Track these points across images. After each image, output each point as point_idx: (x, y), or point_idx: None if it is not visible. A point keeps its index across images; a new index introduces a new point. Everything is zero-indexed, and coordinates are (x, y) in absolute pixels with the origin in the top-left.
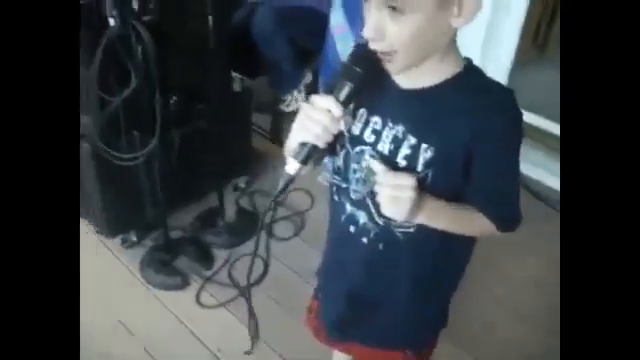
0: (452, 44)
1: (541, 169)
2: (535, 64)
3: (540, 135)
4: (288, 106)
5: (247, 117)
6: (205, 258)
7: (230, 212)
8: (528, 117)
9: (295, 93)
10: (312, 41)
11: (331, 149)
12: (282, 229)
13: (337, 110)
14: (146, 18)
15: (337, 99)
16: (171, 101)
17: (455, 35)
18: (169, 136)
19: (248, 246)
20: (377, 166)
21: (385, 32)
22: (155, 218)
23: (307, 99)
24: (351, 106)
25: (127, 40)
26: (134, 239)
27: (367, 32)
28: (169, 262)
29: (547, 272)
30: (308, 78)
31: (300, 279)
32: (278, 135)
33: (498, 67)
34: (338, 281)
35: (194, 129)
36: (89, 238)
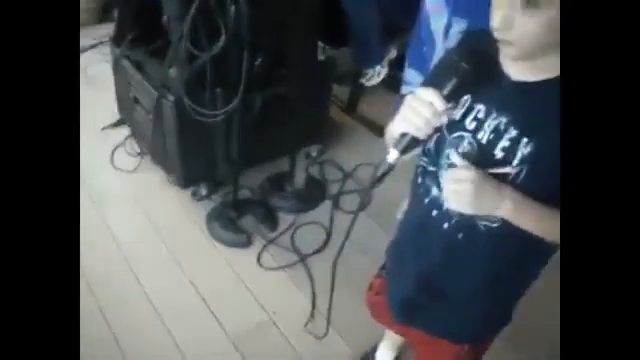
0: None
1: None
2: None
3: None
4: (369, 80)
5: (327, 87)
6: (270, 220)
7: (299, 178)
8: None
9: (378, 68)
10: (404, 16)
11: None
12: (348, 202)
13: (440, 104)
14: None
15: (441, 93)
16: (256, 62)
17: None
18: (251, 97)
19: (312, 214)
20: (457, 159)
21: (514, 23)
22: (226, 175)
23: (389, 74)
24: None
25: None
26: (204, 193)
27: (495, 21)
28: (235, 219)
29: None
30: (392, 54)
31: (360, 253)
32: (355, 108)
33: None
34: (410, 263)
35: (275, 93)
36: (163, 186)
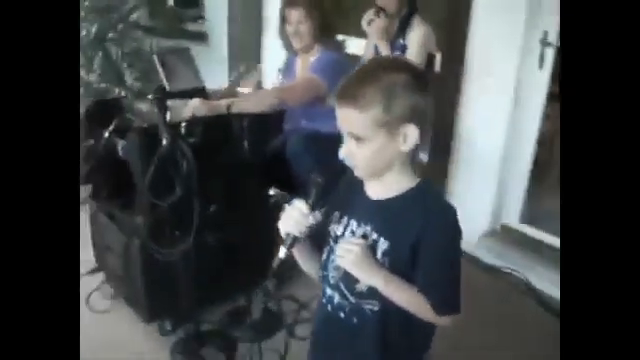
0: (406, 164)
1: None
2: None
3: None
4: None
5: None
6: (229, 349)
7: (257, 311)
8: None
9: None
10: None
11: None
12: (303, 329)
13: (304, 208)
14: (191, 140)
15: (307, 202)
16: (211, 209)
17: (407, 157)
18: (204, 239)
19: (269, 343)
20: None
21: (353, 153)
22: (188, 310)
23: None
24: (322, 209)
25: (175, 157)
26: (169, 327)
27: (342, 154)
28: (197, 350)
29: None
30: None
31: None
32: None
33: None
34: (322, 351)
35: (229, 235)
36: (132, 323)
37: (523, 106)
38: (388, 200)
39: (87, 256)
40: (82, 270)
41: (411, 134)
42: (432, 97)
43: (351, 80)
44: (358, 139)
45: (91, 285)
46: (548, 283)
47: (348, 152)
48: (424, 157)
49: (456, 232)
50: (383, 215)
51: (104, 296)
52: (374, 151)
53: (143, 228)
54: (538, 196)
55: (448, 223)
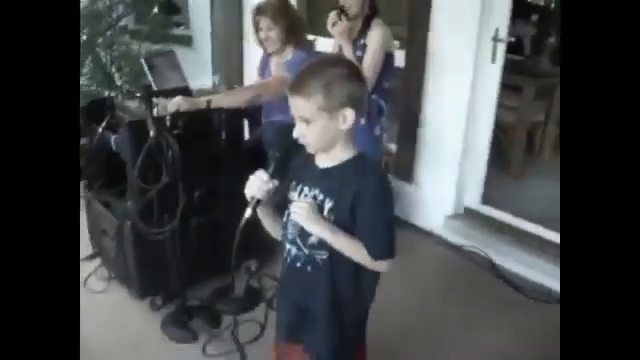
0: (347, 140)
1: None
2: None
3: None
4: None
5: None
6: (215, 320)
7: (240, 288)
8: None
9: None
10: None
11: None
12: None
13: (264, 176)
14: (175, 132)
15: (267, 171)
16: (196, 194)
17: (347, 134)
18: (190, 221)
19: (251, 314)
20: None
21: (304, 133)
22: (177, 286)
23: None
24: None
25: (161, 147)
26: (160, 303)
27: (295, 134)
28: (186, 321)
29: None
30: None
31: None
32: None
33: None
34: (285, 296)
35: (212, 218)
36: (126, 301)
37: (479, 96)
38: (332, 168)
39: (84, 244)
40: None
41: (349, 115)
42: (365, 85)
43: (299, 75)
44: (306, 121)
45: (88, 270)
46: (509, 259)
47: (299, 133)
48: (393, 147)
49: (385, 190)
50: (328, 180)
51: (100, 278)
52: (319, 130)
53: (134, 211)
54: (503, 181)
55: (379, 184)
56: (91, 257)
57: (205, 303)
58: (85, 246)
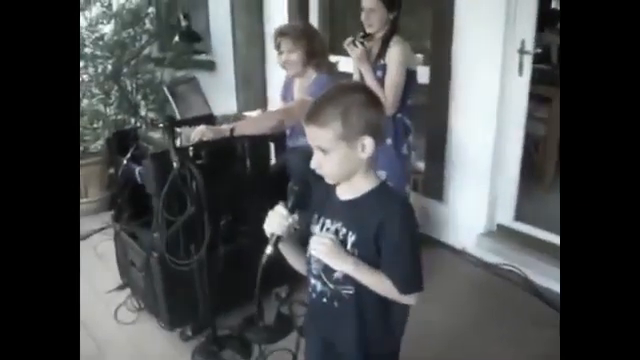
0: (368, 169)
1: None
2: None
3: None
4: None
5: None
6: (245, 350)
7: (270, 316)
8: None
9: None
10: None
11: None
12: None
13: (283, 212)
14: (198, 162)
15: (285, 206)
16: (222, 222)
17: (367, 163)
18: (216, 250)
19: (282, 343)
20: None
21: (322, 164)
22: (206, 316)
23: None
24: (297, 212)
25: (185, 178)
26: (190, 333)
27: (313, 164)
28: (216, 352)
29: None
30: None
31: None
32: None
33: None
34: (312, 331)
35: (239, 246)
36: (156, 332)
37: (508, 110)
38: (354, 200)
39: (113, 274)
40: (109, 287)
41: (368, 144)
42: (383, 112)
43: (315, 103)
44: (324, 151)
45: (118, 300)
46: (545, 277)
47: (317, 163)
48: (421, 165)
49: (410, 222)
50: (350, 213)
51: (130, 309)
52: (338, 160)
53: (160, 243)
54: (535, 195)
55: (403, 215)
56: (120, 288)
57: (235, 333)
58: (114, 277)
